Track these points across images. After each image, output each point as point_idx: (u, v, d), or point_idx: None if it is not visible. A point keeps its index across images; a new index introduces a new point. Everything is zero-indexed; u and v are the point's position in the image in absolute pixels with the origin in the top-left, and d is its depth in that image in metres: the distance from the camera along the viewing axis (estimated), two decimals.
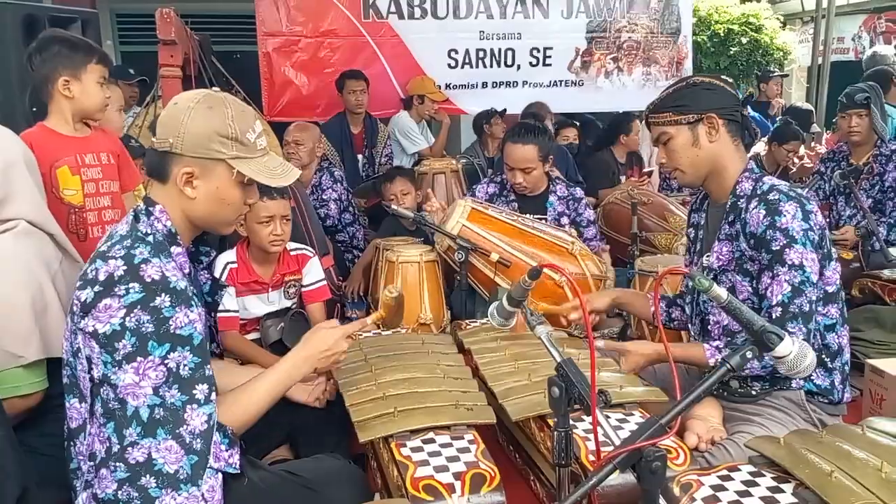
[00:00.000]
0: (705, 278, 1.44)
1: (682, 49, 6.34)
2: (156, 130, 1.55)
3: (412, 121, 5.42)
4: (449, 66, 5.73)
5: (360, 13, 5.44)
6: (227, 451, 1.44)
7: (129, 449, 1.35)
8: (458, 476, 1.59)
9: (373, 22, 5.49)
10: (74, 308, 1.42)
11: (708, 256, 2.10)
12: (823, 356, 2.00)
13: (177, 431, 1.37)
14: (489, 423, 1.89)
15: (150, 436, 1.35)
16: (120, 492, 1.35)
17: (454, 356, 2.30)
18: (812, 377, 1.99)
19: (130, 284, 1.38)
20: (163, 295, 1.39)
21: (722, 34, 8.43)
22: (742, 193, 2.01)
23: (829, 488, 1.37)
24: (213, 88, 1.66)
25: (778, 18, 8.97)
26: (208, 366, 1.43)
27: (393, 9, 5.51)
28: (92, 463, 1.41)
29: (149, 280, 1.39)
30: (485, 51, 5.78)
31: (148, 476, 1.35)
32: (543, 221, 3.31)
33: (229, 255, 2.63)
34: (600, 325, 3.10)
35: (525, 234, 3.06)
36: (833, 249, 2.02)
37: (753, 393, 2.01)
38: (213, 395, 1.43)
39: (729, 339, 2.03)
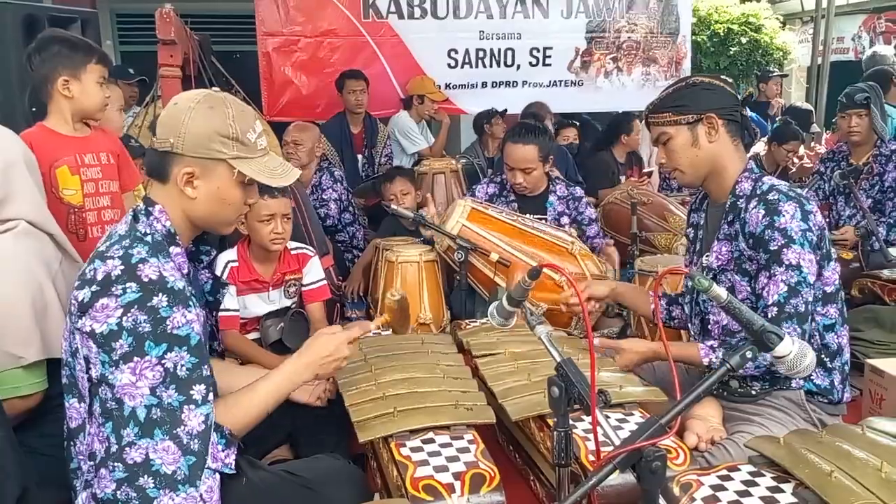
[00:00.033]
0: (705, 278, 1.44)
1: (680, 49, 6.35)
2: (156, 130, 1.55)
3: (412, 121, 5.42)
4: (449, 65, 5.73)
5: (359, 13, 5.45)
6: (223, 451, 1.44)
7: (127, 449, 1.35)
8: (457, 476, 1.59)
9: (373, 22, 5.50)
10: (72, 308, 1.42)
11: (707, 256, 2.10)
12: (823, 356, 2.00)
13: (174, 432, 1.36)
14: (489, 423, 1.89)
15: (147, 436, 1.35)
16: (119, 492, 1.35)
17: (454, 356, 2.30)
18: (812, 377, 1.99)
19: (128, 284, 1.38)
20: (160, 295, 1.38)
21: (722, 34, 8.43)
22: (741, 193, 2.01)
23: (829, 488, 1.37)
24: (213, 88, 1.66)
25: (778, 18, 8.97)
26: (206, 366, 1.43)
27: (393, 8, 5.51)
28: (91, 463, 1.41)
29: (146, 280, 1.39)
30: (484, 51, 5.78)
31: (146, 476, 1.34)
32: (543, 221, 3.31)
33: (230, 254, 2.63)
34: (600, 326, 3.10)
35: (525, 234, 3.07)
36: (833, 250, 2.02)
37: (753, 393, 2.01)
38: (211, 396, 1.43)
39: (728, 338, 2.04)
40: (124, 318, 1.35)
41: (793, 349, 1.36)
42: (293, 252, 2.73)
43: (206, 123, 1.49)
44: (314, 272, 2.76)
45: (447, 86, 5.73)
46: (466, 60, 5.76)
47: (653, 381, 2.15)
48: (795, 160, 5.11)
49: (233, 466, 1.45)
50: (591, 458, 1.61)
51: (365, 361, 2.15)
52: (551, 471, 1.83)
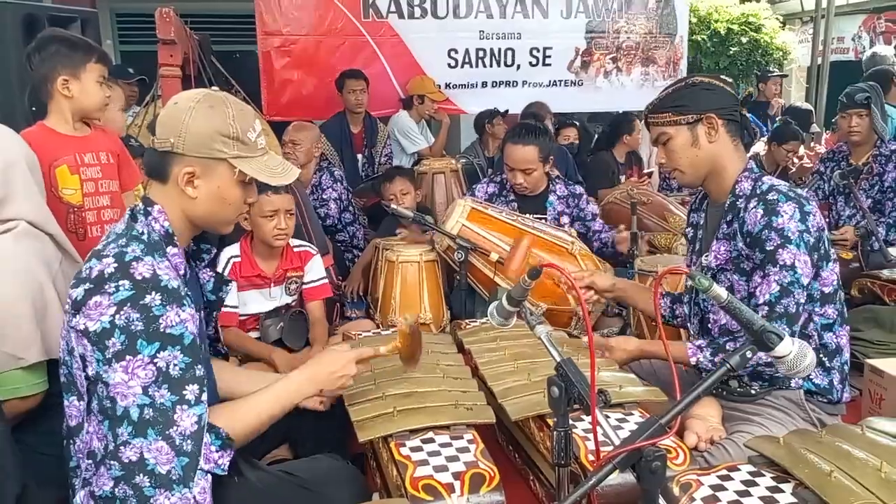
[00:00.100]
0: (705, 278, 1.44)
1: (678, 49, 6.37)
2: (155, 130, 1.55)
3: (412, 120, 5.42)
4: (449, 65, 5.73)
5: (359, 13, 5.45)
6: (217, 452, 1.43)
7: (122, 448, 1.35)
8: (457, 476, 1.59)
9: (372, 21, 5.49)
10: (67, 306, 1.42)
11: (706, 256, 2.10)
12: (821, 356, 2.00)
13: (167, 433, 1.36)
14: (488, 423, 1.89)
15: (140, 436, 1.35)
16: (117, 489, 1.35)
17: (454, 356, 2.30)
18: (811, 377, 1.99)
19: (120, 282, 1.37)
20: (153, 293, 1.38)
21: (722, 33, 8.43)
22: (741, 193, 2.01)
23: (829, 488, 1.37)
24: (213, 88, 1.66)
25: (777, 18, 8.96)
26: (199, 366, 1.42)
27: (393, 8, 5.51)
28: (90, 461, 1.41)
29: (139, 278, 1.38)
30: (484, 50, 5.78)
31: (141, 475, 1.34)
32: (543, 221, 3.31)
33: (233, 249, 2.66)
34: (600, 325, 3.10)
35: (525, 233, 3.06)
36: (832, 250, 2.02)
37: (752, 392, 2.01)
38: (205, 396, 1.42)
39: (724, 338, 2.04)
40: (117, 316, 1.35)
41: (793, 349, 1.36)
42: (296, 249, 2.75)
43: (207, 123, 1.49)
44: (316, 270, 2.78)
45: (447, 85, 5.73)
46: (466, 60, 5.76)
47: (652, 381, 2.15)
48: (795, 160, 5.11)
49: (226, 468, 1.44)
50: (591, 457, 1.61)
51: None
52: (551, 471, 1.82)
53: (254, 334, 2.67)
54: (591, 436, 1.44)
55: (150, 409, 1.35)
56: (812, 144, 5.86)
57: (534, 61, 5.93)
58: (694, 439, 1.86)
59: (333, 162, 4.71)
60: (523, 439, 2.07)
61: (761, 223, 1.90)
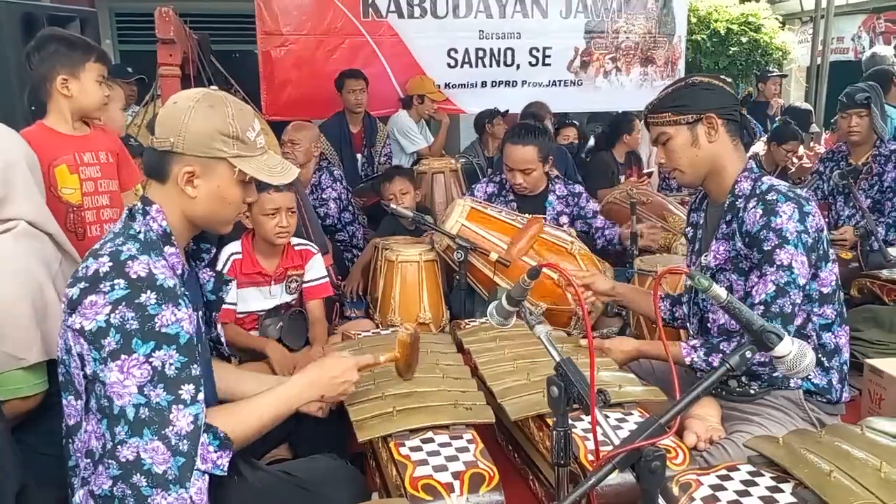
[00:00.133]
0: (705, 278, 1.44)
1: (676, 49, 6.38)
2: (154, 130, 1.54)
3: (411, 120, 5.42)
4: (448, 65, 5.73)
5: (359, 12, 5.44)
6: (216, 452, 1.43)
7: (119, 447, 1.34)
8: (456, 475, 1.59)
9: (372, 21, 5.49)
10: (63, 305, 1.42)
11: (706, 256, 2.10)
12: (820, 356, 2.00)
13: (163, 433, 1.35)
14: (488, 423, 1.88)
15: (136, 435, 1.34)
16: (115, 488, 1.35)
17: (453, 355, 2.30)
18: (809, 377, 1.99)
19: (115, 281, 1.37)
20: (148, 292, 1.37)
21: (721, 33, 8.43)
22: (741, 193, 2.00)
23: (829, 488, 1.37)
24: (212, 87, 1.66)
25: (777, 18, 8.96)
26: (195, 365, 1.42)
27: (392, 8, 5.51)
28: (89, 460, 1.41)
29: (134, 276, 1.38)
30: (484, 50, 5.78)
31: (138, 475, 1.34)
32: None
33: (234, 246, 2.67)
34: (599, 325, 3.10)
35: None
36: (831, 250, 2.02)
37: (752, 392, 2.01)
38: (201, 396, 1.41)
39: (720, 338, 2.05)
40: (112, 315, 1.35)
41: (792, 349, 1.36)
42: (297, 248, 2.76)
43: (207, 122, 1.49)
44: (316, 269, 2.79)
45: (447, 85, 5.73)
46: (466, 60, 5.76)
47: (652, 381, 2.15)
48: (794, 160, 5.11)
49: (225, 468, 1.44)
50: (591, 457, 1.61)
51: None
52: (550, 470, 1.83)
53: (253, 333, 2.67)
54: (590, 435, 1.44)
55: (146, 409, 1.35)
56: (811, 144, 5.86)
57: (533, 61, 5.93)
58: (693, 439, 1.86)
59: (333, 161, 4.71)
60: (523, 439, 2.07)
61: (760, 223, 1.90)
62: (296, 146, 3.92)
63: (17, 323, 1.79)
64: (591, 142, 5.92)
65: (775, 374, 1.98)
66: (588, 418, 1.49)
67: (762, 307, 1.89)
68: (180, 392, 1.38)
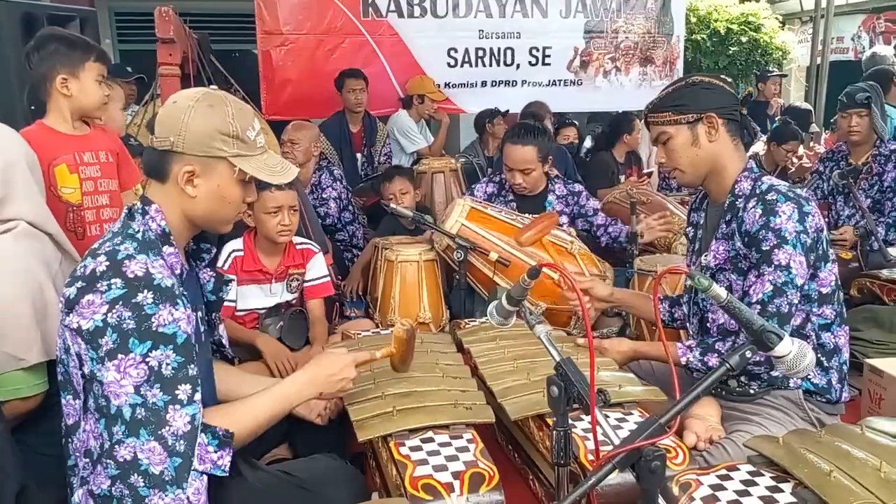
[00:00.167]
0: (705, 277, 1.44)
1: (674, 49, 6.39)
2: (154, 129, 1.54)
3: (411, 120, 5.42)
4: (448, 65, 5.73)
5: (359, 12, 5.44)
6: (216, 452, 1.42)
7: (117, 447, 1.34)
8: (456, 475, 1.59)
9: (372, 20, 5.49)
10: (61, 305, 1.42)
11: (706, 255, 2.10)
12: (819, 356, 2.00)
13: (159, 433, 1.35)
14: (488, 423, 1.88)
15: (133, 435, 1.34)
16: (113, 488, 1.35)
17: (453, 355, 2.30)
18: (809, 376, 2.00)
19: (112, 280, 1.37)
20: (145, 291, 1.37)
21: (721, 33, 8.43)
22: (741, 193, 2.00)
23: (828, 488, 1.37)
24: (212, 87, 1.66)
25: (777, 18, 8.96)
26: (193, 365, 1.41)
27: (392, 7, 5.51)
28: (88, 459, 1.40)
29: (131, 276, 1.38)
30: (484, 50, 5.79)
31: (136, 475, 1.34)
32: None
33: (235, 244, 2.67)
34: (599, 325, 3.10)
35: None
36: (831, 251, 2.02)
37: (752, 392, 2.01)
38: (198, 396, 1.41)
39: (717, 338, 2.05)
40: (109, 315, 1.35)
41: (792, 349, 1.36)
42: (298, 247, 2.77)
43: (207, 122, 1.49)
44: (318, 268, 2.79)
45: (447, 85, 5.73)
46: (466, 59, 5.76)
47: (651, 381, 2.15)
48: (794, 160, 5.11)
49: (226, 468, 1.43)
50: (591, 457, 1.61)
51: None
52: (550, 470, 1.83)
53: None
54: (590, 435, 1.44)
55: (143, 409, 1.35)
56: (811, 144, 5.86)
57: (533, 61, 5.94)
58: (693, 439, 1.86)
59: (333, 161, 4.71)
60: (523, 439, 2.07)
61: (759, 223, 1.90)
62: (295, 146, 3.92)
63: (18, 323, 1.79)
64: (589, 142, 5.92)
65: (775, 374, 1.98)
66: (588, 418, 1.49)
67: (759, 306, 1.90)
68: (177, 392, 1.38)
